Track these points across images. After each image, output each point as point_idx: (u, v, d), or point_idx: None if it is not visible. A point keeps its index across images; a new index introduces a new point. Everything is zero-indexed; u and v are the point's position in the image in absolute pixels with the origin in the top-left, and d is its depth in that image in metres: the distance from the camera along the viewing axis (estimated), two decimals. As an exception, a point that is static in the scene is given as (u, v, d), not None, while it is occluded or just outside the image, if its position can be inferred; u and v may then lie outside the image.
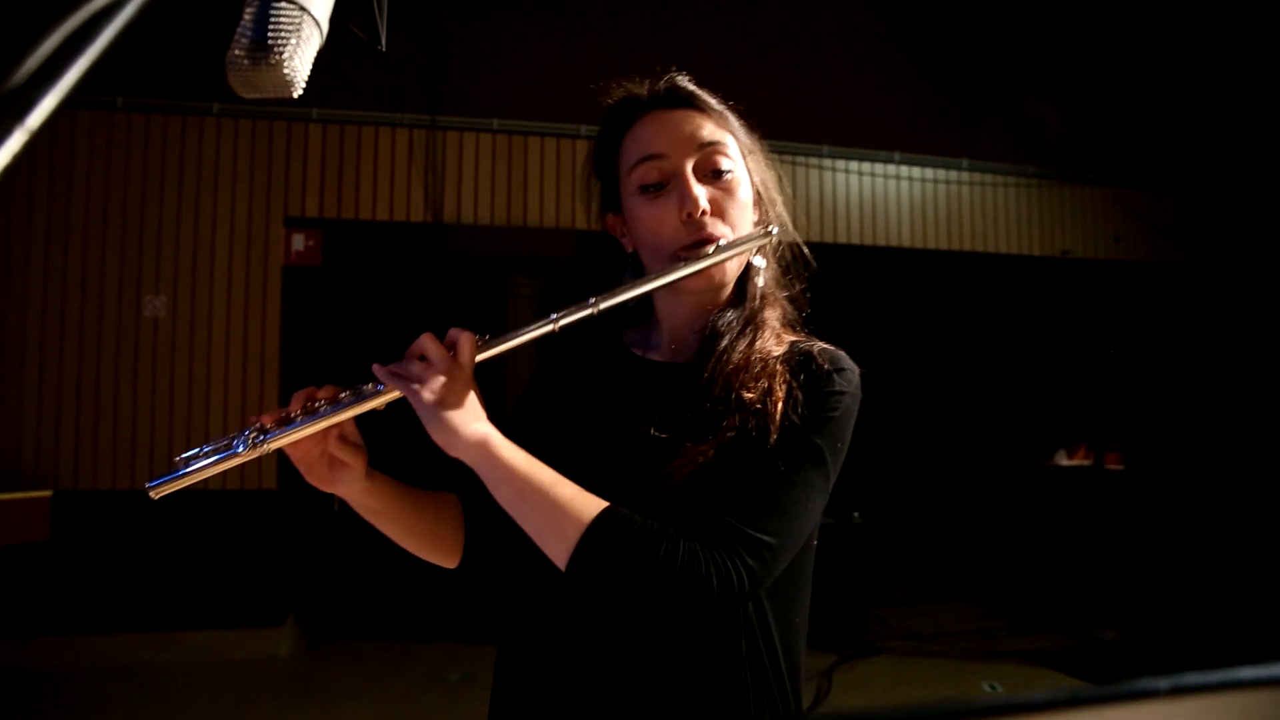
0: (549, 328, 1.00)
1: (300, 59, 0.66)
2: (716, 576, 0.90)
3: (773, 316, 1.12)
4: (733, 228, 1.08)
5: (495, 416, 0.99)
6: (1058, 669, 5.00)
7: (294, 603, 5.59)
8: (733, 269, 1.11)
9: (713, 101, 1.13)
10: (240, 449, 0.95)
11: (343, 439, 1.03)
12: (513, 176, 5.83)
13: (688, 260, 1.04)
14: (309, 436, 0.98)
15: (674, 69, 1.16)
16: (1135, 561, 5.98)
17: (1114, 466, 7.06)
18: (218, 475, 0.97)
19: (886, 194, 6.42)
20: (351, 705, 4.43)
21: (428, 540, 1.17)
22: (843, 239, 6.33)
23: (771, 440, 0.98)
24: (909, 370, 7.71)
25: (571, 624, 1.05)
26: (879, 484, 6.68)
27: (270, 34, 0.65)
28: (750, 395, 1.01)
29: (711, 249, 1.05)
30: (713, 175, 1.09)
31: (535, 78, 5.94)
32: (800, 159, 6.17)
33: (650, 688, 1.00)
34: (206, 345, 5.36)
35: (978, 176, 6.69)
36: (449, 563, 1.21)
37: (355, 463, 1.04)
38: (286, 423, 0.97)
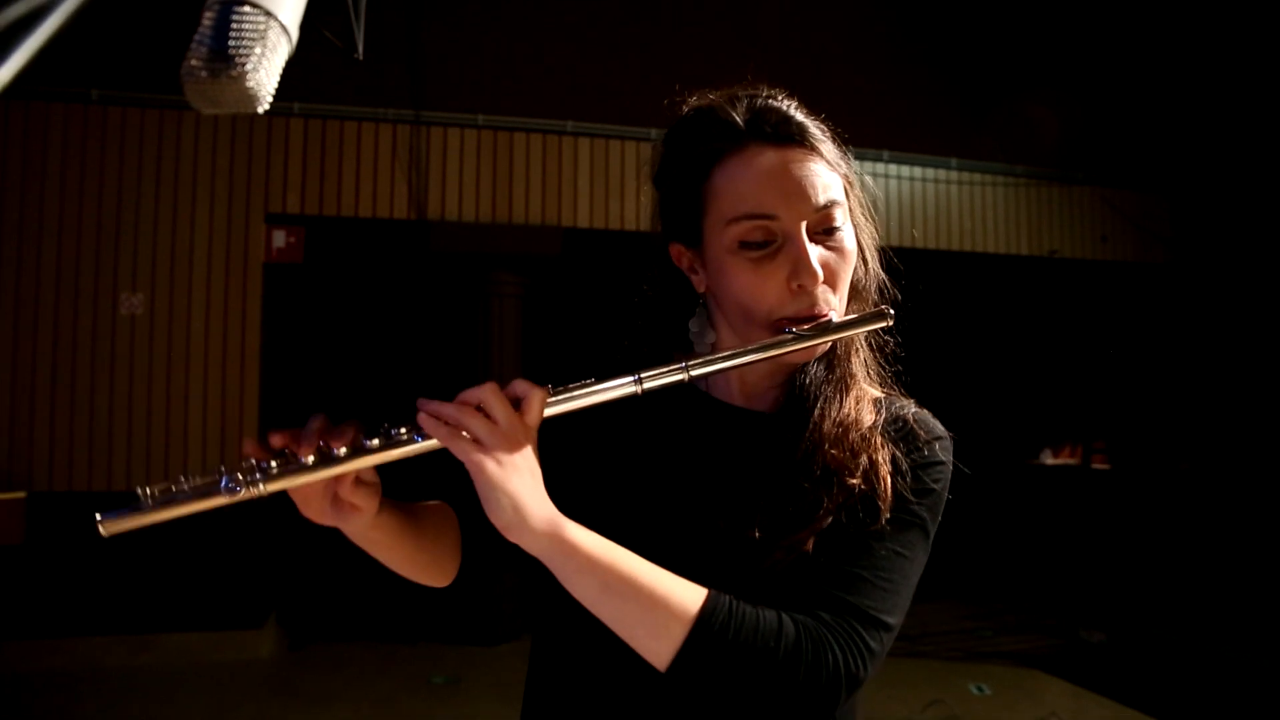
0: (632, 389, 0.87)
1: (266, 71, 0.59)
2: (843, 668, 0.82)
3: (859, 369, 1.03)
4: (840, 293, 0.97)
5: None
6: (1044, 670, 5.00)
7: (275, 604, 5.52)
8: None
9: (820, 134, 0.99)
10: (229, 489, 0.78)
11: (357, 480, 0.87)
12: (498, 173, 5.76)
13: (797, 335, 0.92)
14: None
15: (765, 87, 1.01)
16: (1121, 562, 5.99)
17: (1100, 466, 7.09)
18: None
19: (875, 193, 6.38)
20: (334, 708, 4.39)
21: (422, 567, 1.03)
22: (830, 237, 6.28)
23: (883, 520, 0.91)
24: (896, 369, 7.68)
25: (627, 693, 0.96)
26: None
27: (232, 43, 0.58)
28: (854, 480, 0.92)
29: (811, 329, 0.93)
30: (825, 233, 0.95)
31: (521, 73, 5.87)
32: (788, 157, 6.11)
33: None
34: (185, 344, 5.27)
35: (966, 176, 6.67)
36: (439, 584, 1.07)
37: (368, 505, 0.89)
38: (292, 465, 0.81)
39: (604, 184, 5.87)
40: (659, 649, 0.81)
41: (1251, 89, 6.27)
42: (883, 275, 1.08)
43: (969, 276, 7.35)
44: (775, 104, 0.98)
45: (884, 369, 1.08)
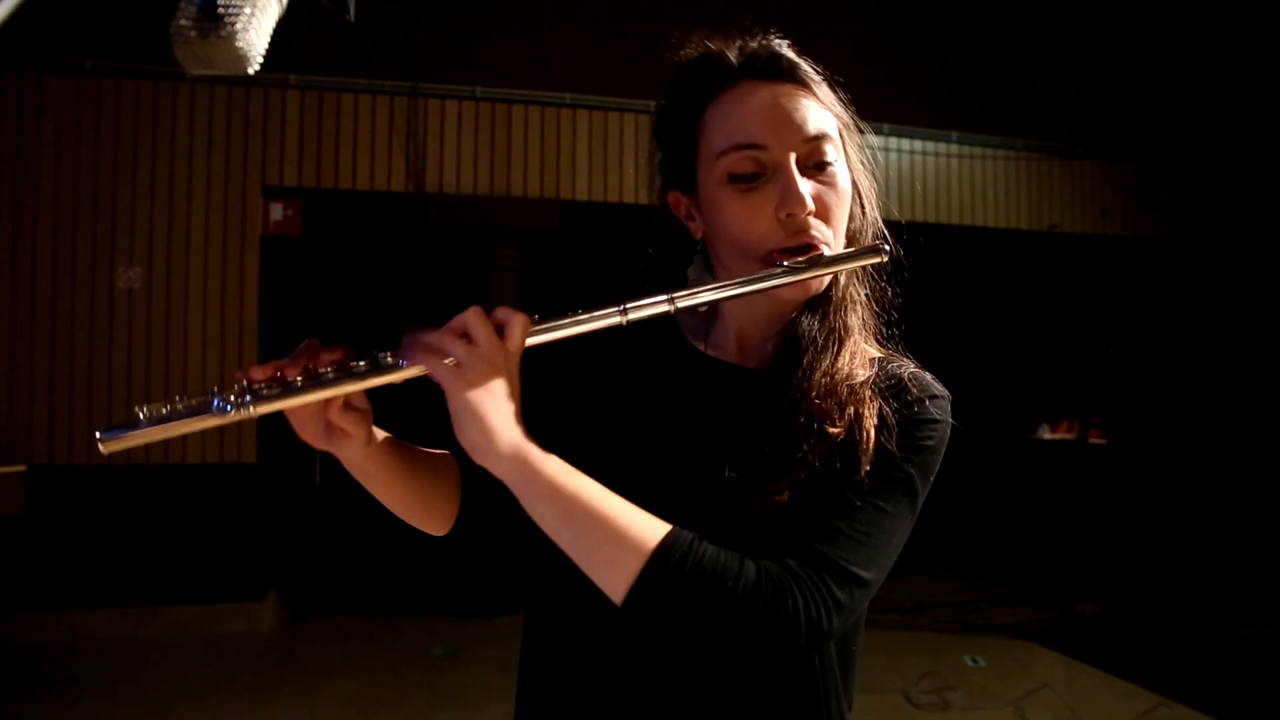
0: (616, 319, 0.85)
1: (256, 31, 0.58)
2: (803, 615, 0.79)
3: (856, 324, 1.00)
4: (834, 227, 0.95)
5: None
6: (1039, 642, 5.04)
7: (276, 577, 5.55)
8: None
9: (815, 74, 0.98)
10: (220, 409, 0.79)
11: (347, 405, 0.89)
12: (496, 145, 5.73)
13: (789, 268, 0.90)
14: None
15: (760, 28, 1.01)
16: (1116, 535, 6.02)
17: (1097, 440, 7.11)
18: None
19: (875, 165, 6.35)
20: (334, 680, 4.42)
21: (419, 508, 1.04)
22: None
23: (863, 471, 0.88)
24: (895, 343, 7.68)
25: (618, 659, 0.95)
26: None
27: (221, 2, 0.57)
28: (836, 429, 0.90)
29: (805, 260, 0.90)
30: (816, 168, 0.94)
31: (519, 44, 5.82)
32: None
33: (695, 696, 0.93)
34: (183, 318, 5.26)
35: (966, 150, 6.64)
36: (437, 531, 1.08)
37: (357, 431, 0.91)
38: (282, 387, 0.82)
39: (603, 156, 5.83)
40: (615, 581, 0.80)
41: (1250, 63, 6.23)
42: (881, 225, 1.06)
43: (969, 250, 7.34)
44: (769, 42, 0.98)
45: (884, 330, 1.06)
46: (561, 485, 0.80)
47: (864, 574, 0.85)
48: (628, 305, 0.85)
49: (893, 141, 6.45)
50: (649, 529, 0.81)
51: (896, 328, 1.07)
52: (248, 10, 0.58)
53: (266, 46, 0.60)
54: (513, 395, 0.82)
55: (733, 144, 0.93)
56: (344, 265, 6.95)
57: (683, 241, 1.04)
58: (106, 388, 5.13)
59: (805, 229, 0.92)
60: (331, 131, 5.48)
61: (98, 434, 0.80)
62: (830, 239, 0.94)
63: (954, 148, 6.60)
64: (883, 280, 1.06)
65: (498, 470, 0.81)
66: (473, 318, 0.81)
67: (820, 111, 0.96)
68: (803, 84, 0.96)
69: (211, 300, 5.29)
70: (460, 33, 5.76)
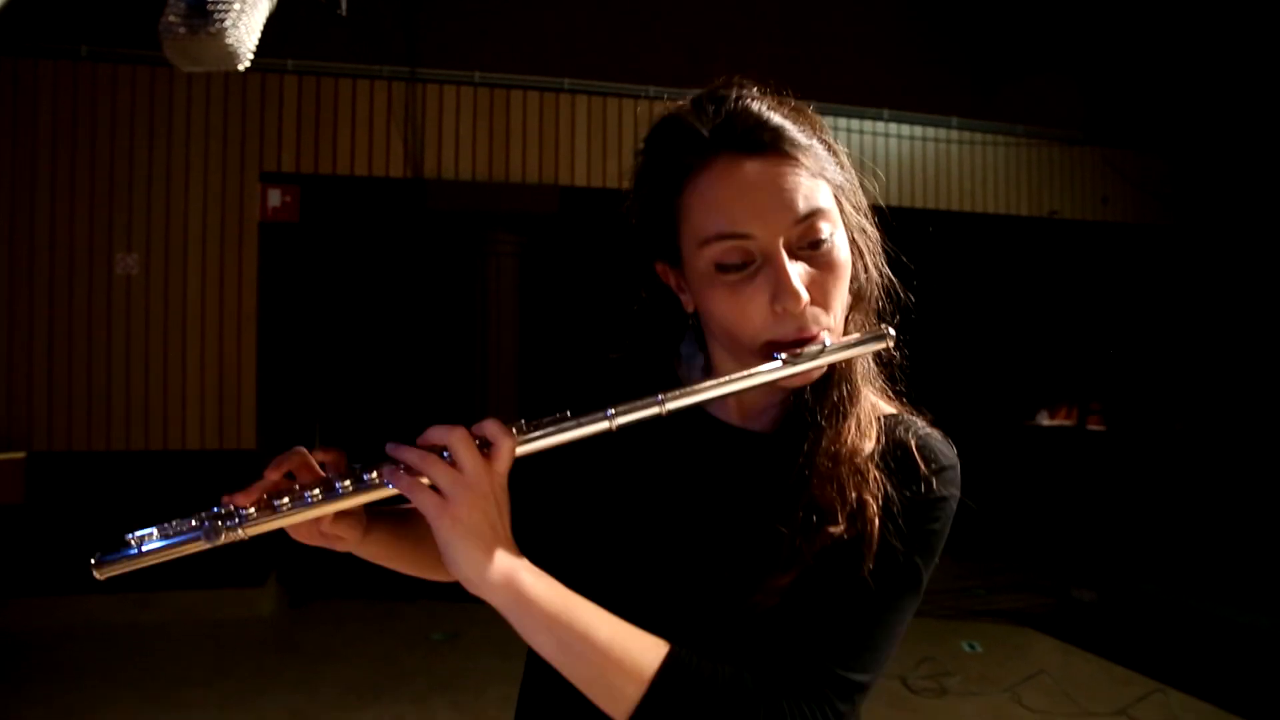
0: (603, 425, 0.82)
1: (245, 27, 0.57)
2: None
3: (859, 378, 0.94)
4: (833, 310, 0.88)
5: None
6: (1036, 628, 5.07)
7: (276, 562, 5.57)
8: None
9: (802, 137, 0.87)
10: (207, 536, 0.83)
11: (336, 517, 0.90)
12: (494, 131, 5.71)
13: (787, 361, 0.84)
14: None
15: (725, 79, 0.91)
16: (1114, 522, 6.04)
17: (1095, 427, 7.11)
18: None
19: (875, 151, 6.34)
20: (334, 665, 4.43)
21: (426, 568, 1.07)
22: (829, 197, 6.25)
23: (866, 569, 0.84)
24: (894, 329, 7.67)
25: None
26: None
27: None
28: (838, 528, 0.85)
29: (811, 350, 0.85)
30: (810, 247, 0.86)
31: (517, 29, 5.79)
32: (787, 115, 6.05)
33: None
34: (182, 304, 5.26)
35: (967, 135, 6.61)
36: (446, 580, 1.04)
37: (350, 534, 0.93)
38: (267, 509, 0.83)
39: (601, 142, 5.81)
40: (615, 709, 0.80)
41: (1251, 50, 6.19)
42: (890, 278, 0.98)
43: (968, 237, 7.33)
44: (748, 106, 0.87)
45: (890, 377, 1.01)
46: (555, 615, 0.79)
47: (863, 678, 0.83)
48: (615, 411, 0.82)
49: (893, 127, 6.42)
50: (646, 655, 0.80)
51: (902, 373, 1.01)
52: (237, 6, 0.57)
53: (256, 43, 0.59)
54: (501, 519, 0.80)
55: (715, 234, 0.85)
56: (342, 251, 6.94)
57: (673, 309, 0.98)
58: (105, 374, 5.13)
59: (803, 324, 0.86)
60: (329, 117, 5.46)
61: (93, 561, 0.84)
62: (831, 323, 0.88)
63: (954, 133, 6.58)
64: (891, 320, 0.99)
65: (492, 601, 0.80)
66: (457, 441, 0.78)
67: (810, 183, 0.86)
68: (788, 155, 0.85)
69: (210, 286, 5.29)
70: (458, 18, 5.73)
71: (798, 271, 0.85)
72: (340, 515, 0.90)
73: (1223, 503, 5.47)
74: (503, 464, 0.80)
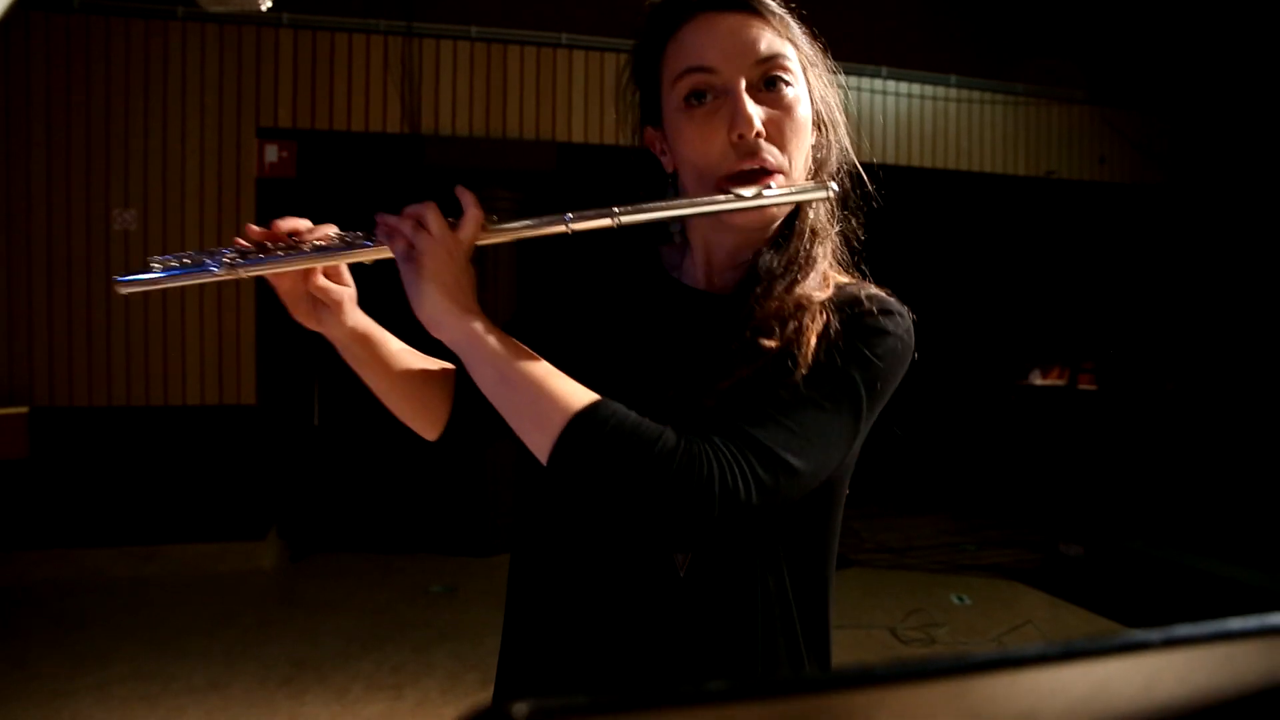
0: (560, 228, 0.92)
1: None
2: (718, 481, 0.80)
3: (822, 254, 1.00)
4: (789, 153, 0.95)
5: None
6: (1024, 582, 5.17)
7: (276, 516, 5.64)
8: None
9: (773, 4, 0.98)
10: (214, 269, 0.95)
11: (327, 277, 1.03)
12: (491, 86, 5.67)
13: (732, 195, 0.92)
14: (291, 271, 0.98)
15: None
16: (1102, 479, 6.12)
17: (1087, 386, 7.17)
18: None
19: (872, 109, 6.31)
20: (334, 617, 4.52)
21: (410, 403, 1.12)
22: (827, 156, 6.23)
23: (799, 374, 0.88)
24: (889, 287, 7.70)
25: (590, 598, 0.98)
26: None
27: None
28: (773, 341, 0.91)
29: (752, 192, 0.91)
30: (769, 92, 0.94)
31: (514, -17, 5.72)
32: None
33: (660, 629, 0.95)
34: (179, 260, 5.25)
35: (964, 94, 6.58)
36: (429, 435, 1.15)
37: (338, 303, 1.03)
38: (266, 253, 0.96)
39: (599, 98, 5.78)
40: (539, 439, 0.85)
41: (1253, 7, 6.15)
42: (853, 158, 1.06)
43: (965, 195, 7.32)
44: None
45: (858, 265, 1.07)
46: (501, 351, 0.88)
47: (792, 460, 0.84)
48: (573, 216, 0.92)
49: (890, 85, 6.39)
50: (577, 394, 0.86)
51: (864, 262, 1.07)
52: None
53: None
54: (462, 276, 0.91)
55: (685, 68, 0.95)
56: (340, 207, 6.88)
57: (660, 177, 1.06)
58: (105, 329, 5.14)
59: (756, 151, 0.93)
60: (325, 72, 5.41)
61: (116, 279, 0.95)
62: (785, 165, 0.95)
63: (952, 91, 6.54)
64: (861, 219, 1.07)
65: (447, 338, 0.89)
66: (428, 209, 0.91)
67: (776, 38, 0.96)
68: (758, 13, 0.96)
69: (208, 242, 5.28)
70: (454, -30, 5.65)
71: (756, 110, 0.93)
72: (331, 278, 1.03)
73: (1209, 461, 5.55)
74: (467, 232, 0.92)
